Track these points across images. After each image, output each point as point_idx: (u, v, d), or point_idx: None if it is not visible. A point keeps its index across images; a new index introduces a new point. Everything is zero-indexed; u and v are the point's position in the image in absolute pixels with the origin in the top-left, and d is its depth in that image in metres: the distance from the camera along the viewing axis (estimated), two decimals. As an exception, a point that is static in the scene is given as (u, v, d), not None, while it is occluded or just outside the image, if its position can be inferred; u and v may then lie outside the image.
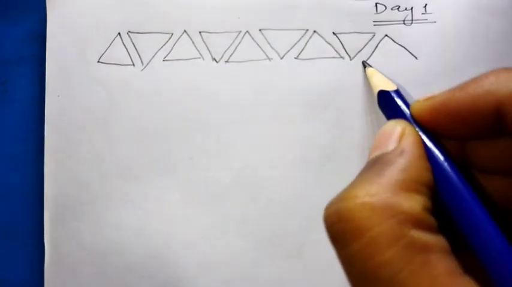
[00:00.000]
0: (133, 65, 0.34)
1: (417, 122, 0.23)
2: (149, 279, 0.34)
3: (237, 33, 0.33)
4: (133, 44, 0.34)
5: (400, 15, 0.33)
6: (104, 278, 0.34)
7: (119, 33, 0.34)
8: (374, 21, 0.33)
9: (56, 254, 0.34)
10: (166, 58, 0.34)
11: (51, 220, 0.34)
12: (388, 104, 0.27)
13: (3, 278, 0.35)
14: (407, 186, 0.19)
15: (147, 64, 0.34)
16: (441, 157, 0.21)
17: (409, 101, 0.33)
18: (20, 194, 0.36)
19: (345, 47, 0.33)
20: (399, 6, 0.33)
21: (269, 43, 0.33)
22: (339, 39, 0.33)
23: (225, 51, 0.34)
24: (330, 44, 0.33)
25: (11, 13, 0.36)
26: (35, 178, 0.35)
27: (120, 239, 0.34)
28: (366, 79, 0.33)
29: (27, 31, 0.36)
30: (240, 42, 0.33)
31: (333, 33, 0.33)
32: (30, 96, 0.36)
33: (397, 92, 0.27)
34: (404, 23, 0.33)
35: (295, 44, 0.33)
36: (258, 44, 0.33)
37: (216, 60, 0.34)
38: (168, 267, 0.34)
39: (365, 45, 0.33)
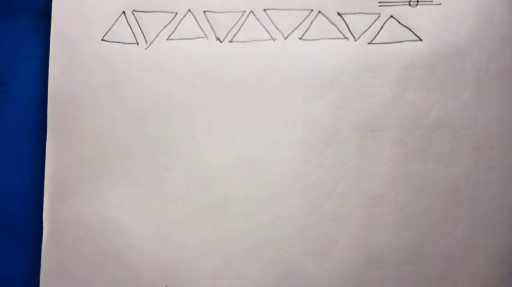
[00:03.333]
0: (137, 43, 0.34)
1: None
2: (149, 258, 0.34)
3: (241, 13, 0.33)
4: (137, 22, 0.34)
5: (405, -3, 0.33)
6: (103, 256, 0.34)
7: (124, 12, 0.34)
8: (379, 2, 0.33)
9: (54, 232, 0.34)
10: (170, 37, 0.34)
11: (50, 198, 0.34)
12: None
13: (2, 278, 0.35)
14: None
15: (151, 43, 0.34)
16: None
17: (412, 84, 0.33)
18: (19, 194, 0.35)
19: (350, 27, 0.33)
20: (404, -12, 0.33)
21: (273, 23, 0.33)
22: (343, 19, 0.33)
23: (229, 31, 0.33)
24: (334, 24, 0.33)
25: (11, 11, 0.36)
26: (36, 177, 0.35)
27: (120, 218, 0.34)
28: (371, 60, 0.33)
29: (27, 30, 0.36)
30: (244, 22, 0.33)
31: (338, 13, 0.33)
32: (30, 96, 0.35)
33: None
34: (409, 4, 0.33)
35: (300, 24, 0.33)
36: (262, 24, 0.33)
37: (220, 40, 0.34)
38: (168, 246, 0.34)
39: (370, 26, 0.33)
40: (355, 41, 0.33)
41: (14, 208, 0.36)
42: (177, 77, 0.34)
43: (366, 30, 0.33)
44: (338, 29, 0.33)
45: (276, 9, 0.33)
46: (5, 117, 0.36)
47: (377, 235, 0.33)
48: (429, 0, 0.33)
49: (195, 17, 0.34)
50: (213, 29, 0.34)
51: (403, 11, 0.33)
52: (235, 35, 0.33)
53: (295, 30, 0.33)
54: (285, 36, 0.33)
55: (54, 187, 0.34)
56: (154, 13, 0.34)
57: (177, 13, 0.34)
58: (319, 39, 0.33)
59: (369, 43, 0.33)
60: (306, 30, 0.33)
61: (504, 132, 0.33)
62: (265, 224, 0.33)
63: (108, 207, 0.34)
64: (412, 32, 0.33)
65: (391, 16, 0.33)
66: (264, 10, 0.33)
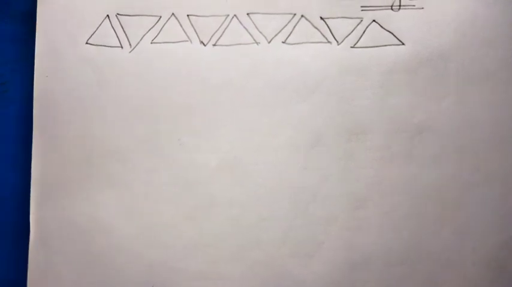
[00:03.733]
0: (122, 47, 0.34)
1: None
2: (136, 259, 0.34)
3: (225, 17, 0.34)
4: (121, 26, 0.34)
5: (388, 1, 0.33)
6: (90, 257, 0.34)
7: (108, 16, 0.34)
8: (362, 6, 0.33)
9: (41, 233, 0.34)
10: (154, 41, 0.34)
11: (37, 199, 0.34)
12: None
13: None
14: None
15: (135, 46, 0.34)
16: None
17: (395, 87, 0.33)
18: (14, 195, 0.35)
19: (333, 31, 0.33)
20: (387, -8, 0.33)
21: (257, 27, 0.33)
22: (326, 24, 0.33)
23: (213, 35, 0.34)
24: (317, 28, 0.33)
25: (7, 11, 0.36)
26: (24, 178, 0.35)
27: (107, 219, 0.34)
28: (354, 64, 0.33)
29: (25, 30, 0.36)
30: (227, 26, 0.34)
31: (321, 18, 0.33)
32: (28, 96, 0.35)
33: None
34: (392, 9, 0.33)
35: (283, 28, 0.33)
36: (245, 28, 0.33)
37: (203, 44, 0.34)
38: (154, 248, 0.34)
39: (352, 30, 0.33)
40: (338, 45, 0.33)
41: (1, 209, 0.35)
42: (161, 80, 0.34)
43: (349, 35, 0.33)
44: (321, 33, 0.33)
45: (259, 13, 0.33)
46: (5, 117, 0.36)
47: (362, 237, 0.33)
48: (411, 4, 0.33)
49: (178, 21, 0.34)
50: (196, 33, 0.34)
51: (385, 16, 0.33)
52: (219, 38, 0.34)
53: (279, 34, 0.33)
54: (269, 40, 0.33)
55: (41, 188, 0.34)
56: (138, 17, 0.34)
57: (160, 17, 0.34)
58: (303, 43, 0.33)
59: (351, 47, 0.33)
60: (289, 34, 0.33)
61: (487, 136, 0.33)
62: (250, 226, 0.33)
63: (94, 208, 0.34)
64: (395, 36, 0.33)
65: (374, 20, 0.33)
66: (247, 14, 0.33)
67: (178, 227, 0.33)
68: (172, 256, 0.33)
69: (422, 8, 0.33)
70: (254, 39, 0.34)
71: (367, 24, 0.33)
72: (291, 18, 0.33)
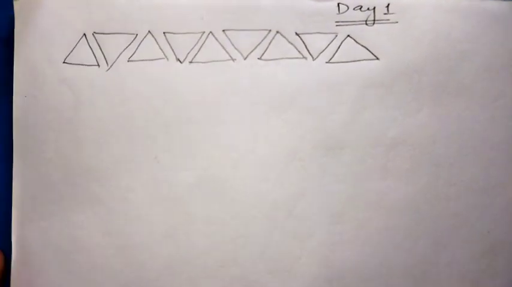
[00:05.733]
0: (99, 65, 0.34)
1: None
2: (114, 278, 0.34)
3: (200, 34, 0.34)
4: (98, 44, 0.34)
5: (362, 16, 0.33)
6: (69, 277, 0.34)
7: (84, 34, 0.34)
8: (336, 22, 0.33)
9: (23, 253, 0.34)
10: (131, 59, 0.34)
11: (18, 219, 0.34)
12: None
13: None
14: None
15: (112, 65, 0.34)
16: None
17: (370, 102, 0.33)
18: None
19: (308, 47, 0.33)
20: (361, 6, 0.33)
21: (232, 44, 0.34)
22: (301, 39, 0.33)
23: (189, 52, 0.34)
24: (292, 44, 0.33)
25: None
26: (6, 197, 0.35)
27: (85, 239, 0.34)
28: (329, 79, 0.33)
29: (3, 52, 0.36)
30: (203, 43, 0.34)
31: (296, 33, 0.33)
32: (7, 117, 0.36)
33: None
34: (366, 24, 0.33)
35: (258, 44, 0.33)
36: (221, 45, 0.34)
37: (180, 61, 0.34)
38: (132, 266, 0.34)
39: (327, 46, 0.33)
40: (314, 60, 0.33)
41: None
42: (138, 98, 0.34)
43: (324, 50, 0.33)
44: (296, 49, 0.33)
45: (234, 29, 0.34)
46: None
47: (338, 252, 0.33)
48: (386, 19, 0.33)
49: (155, 38, 0.34)
50: (173, 50, 0.34)
51: (360, 30, 0.33)
52: (195, 55, 0.34)
53: (254, 50, 0.34)
54: (245, 57, 0.34)
55: (22, 208, 0.34)
56: (114, 35, 0.34)
57: (137, 34, 0.34)
58: (278, 59, 0.33)
59: (327, 62, 0.33)
60: (265, 50, 0.33)
61: (463, 149, 0.33)
62: (227, 243, 0.34)
63: (73, 227, 0.34)
64: (369, 51, 0.33)
65: (348, 35, 0.33)
66: (223, 31, 0.34)
67: (156, 246, 0.34)
68: (149, 274, 0.34)
69: (397, 22, 0.33)
70: (230, 56, 0.34)
71: (342, 40, 0.33)
72: (267, 34, 0.34)
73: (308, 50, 0.33)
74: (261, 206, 0.34)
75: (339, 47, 0.33)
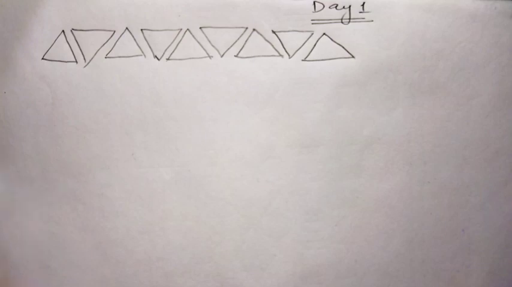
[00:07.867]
0: (76, 61, 0.34)
1: None
2: (91, 274, 0.34)
3: (178, 31, 0.34)
4: (76, 41, 0.34)
5: (338, 14, 0.33)
6: (47, 272, 0.34)
7: (63, 31, 0.34)
8: (312, 20, 0.33)
9: (0, 248, 0.34)
10: (108, 55, 0.34)
11: (-4, 214, 0.35)
12: None
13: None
14: None
15: (90, 61, 0.34)
16: None
17: (345, 100, 0.33)
18: None
19: (284, 45, 0.33)
20: (337, 5, 0.33)
21: (209, 41, 0.34)
22: (278, 37, 0.33)
23: (167, 49, 0.34)
24: (269, 42, 0.34)
25: None
26: None
27: (62, 234, 0.34)
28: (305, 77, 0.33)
29: None
30: (181, 40, 0.34)
31: (272, 31, 0.33)
32: None
33: None
34: (342, 22, 0.33)
35: (235, 42, 0.34)
36: (198, 42, 0.34)
37: (157, 58, 0.34)
38: (108, 262, 0.34)
39: (303, 44, 0.33)
40: (290, 58, 0.33)
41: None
42: (115, 95, 0.34)
43: (300, 48, 0.33)
44: (273, 47, 0.33)
45: (211, 27, 0.34)
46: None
47: (313, 250, 0.34)
48: (361, 17, 0.33)
49: (132, 35, 0.34)
50: (150, 47, 0.34)
51: (335, 29, 0.33)
52: (173, 52, 0.34)
53: (231, 47, 0.34)
54: (221, 54, 0.34)
55: (0, 205, 0.34)
56: (92, 31, 0.34)
57: (115, 31, 0.34)
58: (255, 56, 0.34)
59: (303, 60, 0.33)
60: (242, 48, 0.34)
61: (437, 147, 0.34)
62: (203, 240, 0.34)
63: (50, 223, 0.34)
64: (345, 49, 0.33)
65: (324, 33, 0.33)
66: (200, 28, 0.34)
67: (132, 242, 0.34)
68: (126, 270, 0.34)
69: (372, 20, 0.33)
70: (207, 53, 0.34)
71: (317, 38, 0.33)
72: (243, 32, 0.34)
73: (284, 48, 0.33)
74: (236, 203, 0.34)
75: (314, 45, 0.33)
